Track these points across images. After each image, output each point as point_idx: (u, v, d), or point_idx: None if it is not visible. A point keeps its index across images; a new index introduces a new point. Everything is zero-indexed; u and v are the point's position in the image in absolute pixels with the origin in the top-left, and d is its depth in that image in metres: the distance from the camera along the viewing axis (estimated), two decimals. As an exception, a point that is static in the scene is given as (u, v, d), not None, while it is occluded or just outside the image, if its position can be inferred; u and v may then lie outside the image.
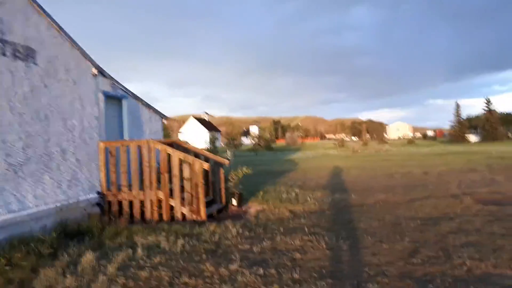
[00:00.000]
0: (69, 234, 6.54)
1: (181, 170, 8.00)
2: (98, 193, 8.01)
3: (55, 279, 4.48)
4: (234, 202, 9.24)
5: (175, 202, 7.83)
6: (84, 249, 5.66)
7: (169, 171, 7.99)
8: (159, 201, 7.92)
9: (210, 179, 9.06)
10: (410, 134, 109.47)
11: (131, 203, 8.04)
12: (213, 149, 42.80)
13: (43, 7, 6.85)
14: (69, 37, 7.46)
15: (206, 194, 9.03)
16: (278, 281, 4.21)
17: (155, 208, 7.91)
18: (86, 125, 7.83)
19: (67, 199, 7.07)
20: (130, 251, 5.49)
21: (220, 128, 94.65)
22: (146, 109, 10.28)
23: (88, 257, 5.19)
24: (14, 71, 6.18)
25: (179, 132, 79.33)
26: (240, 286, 4.12)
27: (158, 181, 8.02)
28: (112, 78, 8.77)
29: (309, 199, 9.82)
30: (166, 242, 5.88)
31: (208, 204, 8.68)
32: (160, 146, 7.97)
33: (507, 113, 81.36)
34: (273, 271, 4.51)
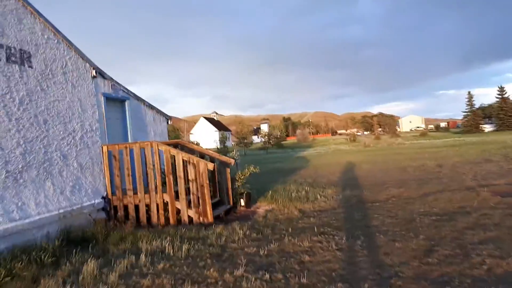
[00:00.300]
0: (73, 241, 6.39)
1: (186, 172, 7.81)
2: (103, 198, 7.85)
3: (54, 290, 4.32)
4: (242, 202, 9.02)
5: (181, 205, 7.64)
6: (87, 257, 5.48)
7: (174, 172, 7.80)
8: (165, 204, 7.74)
9: (216, 180, 8.86)
10: (422, 126, 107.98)
11: (136, 207, 7.87)
12: (224, 148, 42.72)
13: (37, 9, 6.69)
14: (66, 39, 7.31)
15: (213, 195, 8.83)
16: (284, 286, 3.97)
17: (161, 212, 7.73)
18: (88, 129, 7.67)
19: (70, 205, 6.92)
20: (133, 257, 5.30)
21: (231, 128, 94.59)
22: (150, 110, 10.10)
23: (90, 266, 5.01)
24: (9, 76, 6.04)
25: (190, 133, 79.51)
26: (244, 293, 3.90)
27: (163, 183, 7.83)
28: (112, 79, 8.61)
29: (319, 196, 9.56)
30: (170, 247, 5.68)
31: (216, 206, 8.47)
32: (163, 147, 7.78)
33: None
34: (279, 275, 4.27)
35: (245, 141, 46.40)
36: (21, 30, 6.40)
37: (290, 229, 6.37)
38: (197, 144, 47.95)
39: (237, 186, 9.26)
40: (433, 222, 6.17)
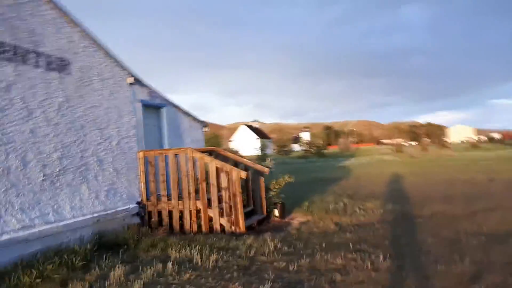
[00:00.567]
0: (105, 245, 6.44)
1: (219, 180, 7.70)
2: (138, 203, 7.91)
3: (79, 295, 4.30)
4: (276, 212, 8.78)
5: (213, 213, 7.53)
6: (116, 262, 5.49)
7: (207, 180, 7.72)
8: (198, 211, 7.66)
9: (250, 189, 8.68)
10: (473, 137, 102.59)
11: (170, 213, 7.85)
12: (263, 156, 42.66)
13: (75, 17, 6.87)
14: (103, 47, 7.46)
15: (247, 204, 8.66)
16: (312, 308, 3.69)
17: (194, 219, 7.65)
18: (124, 135, 7.77)
19: (105, 210, 7.00)
20: (160, 266, 5.21)
21: (271, 136, 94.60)
22: (186, 117, 10.15)
23: (118, 272, 4.98)
24: (48, 82, 6.22)
25: (230, 140, 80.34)
26: (268, 313, 3.66)
27: (197, 191, 7.76)
28: (149, 86, 8.71)
29: (358, 210, 9.11)
30: (199, 257, 5.54)
31: (249, 215, 8.29)
32: (198, 155, 7.72)
33: None
34: (307, 295, 4.00)
35: (285, 149, 46.06)
36: (59, 39, 6.58)
37: (324, 244, 6.05)
38: (235, 151, 48.24)
39: (271, 195, 9.03)
40: (482, 244, 5.62)
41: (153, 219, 7.89)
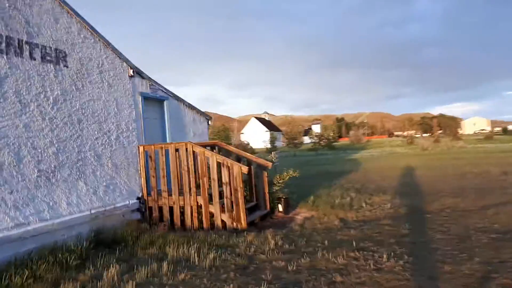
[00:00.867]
0: (103, 242, 6.30)
1: (221, 175, 7.51)
2: (138, 198, 7.76)
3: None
4: (280, 208, 8.56)
5: (214, 209, 7.34)
6: (112, 261, 5.34)
7: (208, 175, 7.53)
8: (199, 207, 7.49)
9: (253, 183, 8.47)
10: (487, 129, 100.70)
11: (171, 209, 7.69)
12: (272, 149, 42.42)
13: (74, 8, 6.69)
14: (103, 38, 7.28)
15: (249, 199, 8.46)
16: (307, 313, 3.48)
17: (195, 215, 7.48)
18: (124, 129, 7.61)
19: (103, 206, 6.86)
20: (156, 265, 5.05)
21: (282, 128, 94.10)
22: (190, 111, 9.95)
23: (112, 271, 4.83)
24: (44, 75, 6.06)
25: (241, 133, 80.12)
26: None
27: (198, 186, 7.58)
28: (151, 79, 8.52)
29: (364, 205, 8.85)
30: (196, 255, 5.36)
31: (252, 210, 8.09)
32: (198, 149, 7.52)
33: None
34: (304, 298, 3.78)
35: (295, 141, 45.70)
36: (57, 29, 6.41)
37: (326, 242, 5.82)
38: (246, 144, 48.04)
39: (275, 190, 8.82)
40: (492, 242, 5.33)
41: (153, 215, 7.74)
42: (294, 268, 4.70)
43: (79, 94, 6.71)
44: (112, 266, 4.99)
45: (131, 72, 7.92)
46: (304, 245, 5.78)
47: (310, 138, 51.07)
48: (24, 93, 5.72)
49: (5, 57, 5.49)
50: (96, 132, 6.96)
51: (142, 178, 7.88)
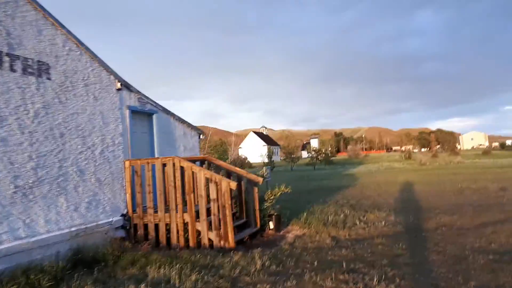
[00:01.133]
0: (83, 262, 6.00)
1: (209, 191, 7.26)
2: (123, 215, 7.49)
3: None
4: (271, 225, 8.29)
5: (201, 226, 7.07)
6: (89, 282, 5.06)
7: (196, 191, 7.28)
8: (186, 224, 7.21)
9: (243, 200, 8.22)
10: (486, 144, 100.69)
11: (156, 226, 7.42)
12: (270, 163, 42.14)
13: (59, 20, 6.53)
14: (89, 50, 7.11)
15: (239, 216, 8.21)
16: None
17: (181, 233, 7.20)
18: (109, 143, 7.38)
19: (85, 223, 6.58)
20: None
21: (280, 142, 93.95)
22: (180, 124, 9.74)
23: (86, 294, 4.56)
24: (24, 88, 5.85)
25: (238, 147, 79.91)
26: None
27: (185, 202, 7.32)
28: (139, 92, 8.33)
29: (358, 222, 8.59)
30: (177, 277, 5.08)
31: (241, 228, 7.83)
32: (185, 164, 7.29)
33: None
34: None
35: (292, 156, 45.47)
36: (40, 41, 6.24)
37: (315, 262, 5.55)
38: (244, 158, 47.72)
39: (266, 207, 8.55)
40: (489, 263, 5.07)
41: (139, 233, 7.46)
42: (279, 292, 4.42)
43: (63, 107, 6.50)
44: (89, 288, 4.72)
45: (118, 85, 7.73)
46: (293, 266, 5.51)
47: (308, 153, 50.85)
48: (2, 106, 5.50)
49: (-18, 68, 5.30)
50: (79, 147, 6.73)
51: (127, 194, 7.62)
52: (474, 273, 4.71)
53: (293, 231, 8.28)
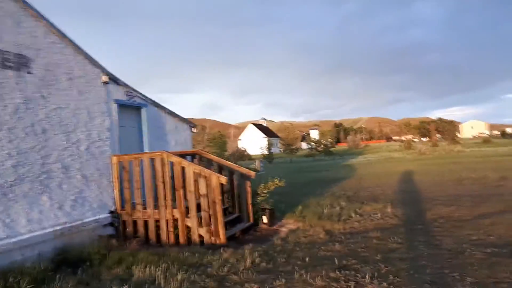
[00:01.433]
0: (67, 262, 5.81)
1: (198, 186, 7.05)
2: (111, 212, 7.29)
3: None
4: (265, 219, 8.10)
5: (191, 222, 6.88)
6: (72, 283, 4.87)
7: (185, 186, 7.08)
8: (175, 220, 7.02)
9: (235, 194, 8.01)
10: (486, 132, 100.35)
11: (146, 223, 7.23)
12: (269, 155, 41.98)
13: (40, 11, 6.27)
14: (73, 43, 6.86)
15: (232, 211, 8.02)
16: None
17: (171, 229, 7.02)
18: (96, 138, 7.16)
19: (70, 221, 6.39)
20: (116, 289, 4.58)
21: (280, 134, 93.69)
22: (171, 118, 9.50)
23: (67, 297, 4.37)
24: (2, 82, 5.62)
25: (238, 139, 79.68)
26: None
27: (174, 198, 7.12)
28: (127, 85, 8.08)
29: (354, 215, 8.39)
30: (163, 277, 4.88)
31: (233, 223, 7.64)
32: (174, 159, 7.07)
33: None
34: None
35: (292, 147, 45.27)
36: (19, 33, 5.99)
37: (307, 259, 5.35)
38: (243, 151, 47.50)
39: (259, 201, 8.35)
40: (487, 257, 4.86)
41: (128, 230, 7.27)
42: (267, 292, 4.23)
43: (45, 102, 6.26)
44: (70, 291, 4.53)
45: (104, 78, 7.49)
46: (283, 263, 5.31)
47: (307, 144, 50.64)
48: (-22, 102, 5.28)
49: (-45, 62, 5.06)
50: (63, 143, 6.51)
51: (115, 190, 7.41)
52: (471, 268, 4.50)
53: (287, 225, 8.10)
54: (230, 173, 8.06)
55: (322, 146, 46.11)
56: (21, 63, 5.96)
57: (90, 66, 7.27)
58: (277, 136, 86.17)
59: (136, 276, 5.05)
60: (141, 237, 7.14)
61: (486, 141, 57.84)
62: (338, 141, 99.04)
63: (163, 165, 7.08)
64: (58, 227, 6.12)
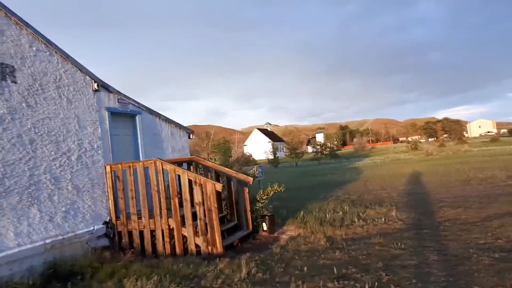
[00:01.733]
0: (58, 276, 5.60)
1: (193, 194, 6.82)
2: (106, 223, 7.08)
3: None
4: (265, 226, 7.84)
5: (187, 232, 6.64)
6: (60, 299, 4.67)
7: (181, 195, 6.86)
8: (171, 230, 6.79)
9: (233, 201, 7.77)
10: (494, 131, 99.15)
11: (141, 233, 7.00)
12: (275, 159, 41.72)
13: (24, 19, 6.11)
14: (61, 51, 6.69)
15: (230, 218, 7.77)
16: None
17: (167, 239, 6.78)
18: (87, 147, 6.97)
19: (62, 234, 6.18)
20: (105, 304, 4.36)
21: (285, 138, 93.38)
22: (167, 125, 9.30)
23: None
24: (-15, 93, 5.45)
25: (244, 144, 79.48)
26: None
27: (169, 207, 6.89)
28: (119, 92, 7.90)
29: (357, 220, 8.11)
30: (154, 290, 4.66)
31: (231, 231, 7.40)
32: (168, 167, 6.85)
33: None
34: None
35: (297, 151, 44.94)
36: (2, 42, 5.82)
37: (306, 268, 5.09)
38: (248, 156, 47.24)
39: (258, 207, 8.10)
40: (495, 263, 4.58)
41: (123, 241, 7.05)
42: (260, 305, 3.98)
43: (31, 111, 6.08)
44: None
45: (95, 86, 7.31)
46: (281, 273, 5.06)
47: (313, 147, 50.29)
48: (-40, 113, 5.11)
49: None
50: (53, 153, 6.32)
51: (110, 201, 7.21)
52: (478, 275, 4.22)
53: (288, 231, 7.84)
54: (228, 179, 7.83)
55: (328, 149, 45.70)
56: (5, 73, 5.79)
57: (79, 74, 7.10)
58: (282, 140, 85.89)
59: (127, 291, 4.83)
60: (136, 248, 6.92)
61: (494, 140, 57.04)
62: (344, 143, 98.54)
63: (157, 173, 6.86)
64: (48, 240, 5.91)
